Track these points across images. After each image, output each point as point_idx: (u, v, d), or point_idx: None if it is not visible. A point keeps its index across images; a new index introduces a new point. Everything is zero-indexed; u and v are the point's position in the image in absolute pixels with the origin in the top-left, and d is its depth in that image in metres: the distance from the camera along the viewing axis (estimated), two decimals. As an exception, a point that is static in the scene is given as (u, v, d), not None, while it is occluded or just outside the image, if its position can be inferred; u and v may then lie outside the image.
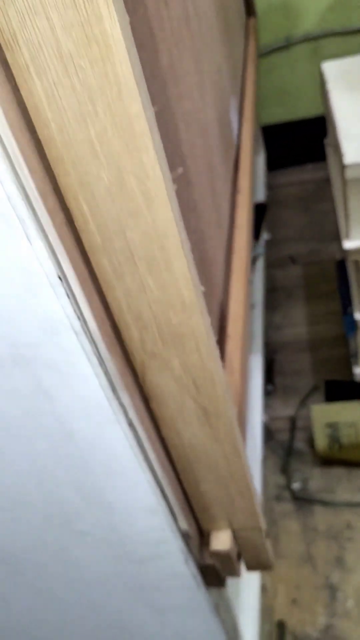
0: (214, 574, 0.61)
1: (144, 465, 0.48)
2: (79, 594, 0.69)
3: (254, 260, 1.67)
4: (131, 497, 0.52)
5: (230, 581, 1.01)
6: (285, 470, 1.32)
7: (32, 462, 0.51)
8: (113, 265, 0.37)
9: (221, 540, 0.58)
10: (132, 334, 0.41)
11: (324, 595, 1.10)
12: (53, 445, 0.49)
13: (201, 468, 0.52)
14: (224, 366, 0.74)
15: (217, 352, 0.44)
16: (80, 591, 0.68)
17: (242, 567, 0.65)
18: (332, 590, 1.11)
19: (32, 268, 0.35)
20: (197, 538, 0.59)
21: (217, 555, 0.58)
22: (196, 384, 0.44)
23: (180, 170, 0.46)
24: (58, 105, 0.31)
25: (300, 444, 1.37)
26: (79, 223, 0.35)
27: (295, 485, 1.29)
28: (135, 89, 0.29)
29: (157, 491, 0.51)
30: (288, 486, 1.29)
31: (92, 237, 0.36)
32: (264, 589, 1.13)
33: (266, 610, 1.10)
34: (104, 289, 0.38)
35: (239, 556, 0.61)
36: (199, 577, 0.61)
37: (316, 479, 1.29)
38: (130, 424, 0.45)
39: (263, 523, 0.59)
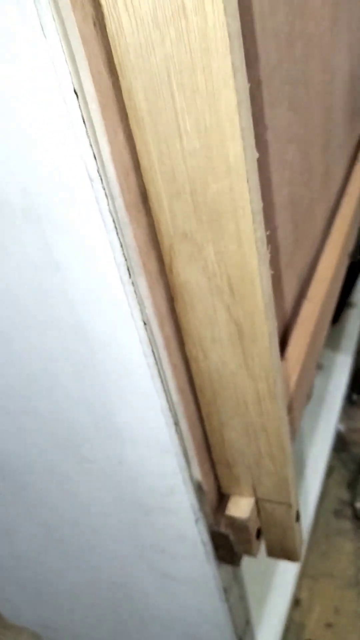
0: (227, 547, 0.52)
1: (157, 383, 0.40)
2: (81, 537, 0.62)
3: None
4: (141, 424, 0.44)
5: (257, 584, 0.90)
6: (352, 486, 1.19)
7: (42, 361, 0.45)
8: (146, 92, 0.29)
9: (240, 507, 0.49)
10: (161, 202, 0.33)
11: (365, 629, 0.97)
12: (64, 340, 0.42)
13: (227, 407, 0.43)
14: (294, 327, 0.65)
15: (265, 252, 0.35)
16: (82, 533, 0.62)
17: (262, 550, 0.55)
18: (376, 626, 0.97)
19: (43, 74, 0.29)
20: (213, 497, 0.51)
21: (233, 523, 0.49)
22: (231, 287, 0.36)
23: None
24: None
25: (375, 461, 1.23)
26: (109, 25, 0.28)
27: (360, 504, 1.15)
28: None
29: (171, 422, 0.43)
30: (351, 503, 1.16)
31: (124, 47, 0.28)
32: (298, 603, 1.02)
33: (295, 626, 0.99)
34: (132, 125, 0.31)
35: (259, 533, 0.52)
36: (209, 546, 0.53)
37: (385, 503, 1.15)
38: (146, 324, 0.38)
39: (295, 501, 0.49)
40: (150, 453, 0.47)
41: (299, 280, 0.71)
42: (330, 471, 1.22)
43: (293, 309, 0.69)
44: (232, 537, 0.51)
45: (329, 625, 0.99)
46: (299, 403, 0.61)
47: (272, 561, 0.94)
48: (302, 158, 0.66)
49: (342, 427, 1.29)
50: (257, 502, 0.50)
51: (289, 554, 0.54)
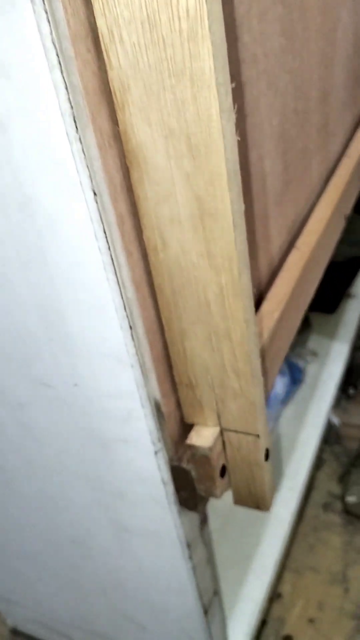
0: (189, 487, 0.47)
1: (110, 273, 0.36)
2: (38, 482, 0.58)
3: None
4: (94, 331, 0.40)
5: (232, 568, 0.84)
6: (344, 479, 1.13)
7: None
8: None
9: (203, 436, 0.45)
10: (112, 35, 0.30)
11: (349, 625, 0.91)
12: (9, 221, 0.38)
13: (188, 309, 0.39)
14: (279, 272, 0.61)
15: (230, 106, 0.31)
16: (39, 477, 0.57)
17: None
18: (361, 622, 0.91)
19: None
20: (175, 428, 0.46)
21: (195, 455, 0.45)
22: (191, 149, 0.32)
23: None
24: None
25: (369, 457, 1.17)
26: None
27: (350, 499, 1.09)
28: None
29: (125, 325, 0.39)
30: (342, 497, 1.10)
31: None
32: (279, 597, 0.96)
33: (274, 621, 0.93)
34: None
35: (223, 471, 0.47)
36: (170, 486, 0.48)
37: (377, 498, 1.09)
38: (97, 196, 0.34)
39: (264, 432, 0.45)
40: (106, 368, 0.42)
41: (290, 232, 0.67)
42: (321, 464, 1.16)
43: (281, 259, 0.65)
44: (194, 474, 0.46)
45: (311, 621, 0.93)
46: (276, 350, 0.56)
47: (250, 545, 0.88)
48: (296, 96, 0.62)
49: (337, 421, 1.24)
50: (222, 432, 0.45)
51: (257, 500, 0.49)
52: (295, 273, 0.61)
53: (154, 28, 0.29)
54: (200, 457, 0.45)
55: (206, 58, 0.29)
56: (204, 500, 0.49)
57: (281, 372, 1.07)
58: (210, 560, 0.59)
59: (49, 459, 0.54)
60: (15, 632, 0.94)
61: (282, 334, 0.57)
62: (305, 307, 0.65)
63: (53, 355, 0.45)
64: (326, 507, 1.09)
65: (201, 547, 0.56)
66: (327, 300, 1.30)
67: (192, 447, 0.44)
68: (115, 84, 0.31)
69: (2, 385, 0.50)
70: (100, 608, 0.71)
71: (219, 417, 0.44)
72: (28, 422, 0.52)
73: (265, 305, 0.56)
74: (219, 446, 0.45)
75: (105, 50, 0.30)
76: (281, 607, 0.95)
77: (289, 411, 1.08)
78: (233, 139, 0.32)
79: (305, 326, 1.22)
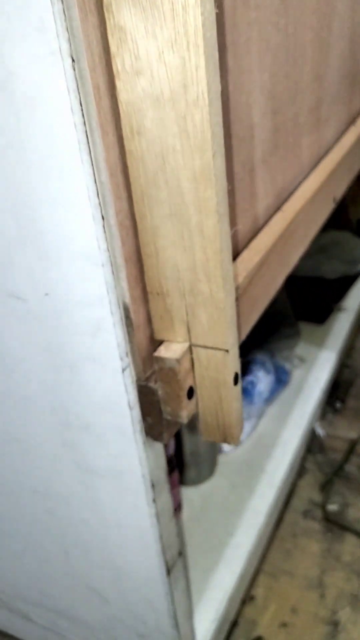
0: (155, 412, 0.46)
1: (84, 152, 0.36)
2: (2, 415, 0.56)
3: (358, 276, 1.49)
4: (65, 225, 0.40)
5: (204, 556, 0.81)
6: (326, 488, 1.10)
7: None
8: None
9: (171, 349, 0.44)
10: None
11: (323, 631, 0.87)
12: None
13: (161, 200, 0.38)
14: (260, 232, 0.61)
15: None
16: (4, 409, 0.55)
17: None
18: (335, 628, 0.87)
19: None
20: (143, 343, 0.45)
21: (162, 370, 0.44)
22: (170, 11, 0.32)
23: None
24: None
25: (353, 468, 1.15)
26: None
27: (331, 507, 1.06)
28: None
29: (98, 214, 0.38)
30: (322, 505, 1.07)
31: None
32: (252, 599, 0.92)
33: (246, 623, 0.89)
34: None
35: (190, 393, 0.46)
36: (136, 411, 0.47)
37: (358, 508, 1.06)
38: (74, 62, 0.34)
39: (233, 348, 0.43)
40: (77, 270, 0.42)
41: (277, 199, 0.67)
42: (304, 472, 1.13)
43: (266, 222, 0.65)
44: (160, 392, 0.45)
45: (283, 625, 0.89)
46: (254, 297, 0.56)
47: (223, 534, 0.85)
48: (288, 61, 0.64)
49: (321, 432, 1.22)
50: (191, 349, 0.44)
51: (225, 432, 0.47)
52: (277, 230, 0.61)
53: None
54: (168, 371, 0.43)
55: None
56: (169, 427, 0.47)
57: (267, 371, 1.05)
58: (177, 522, 0.57)
59: (15, 390, 0.53)
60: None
61: (261, 283, 0.57)
62: (287, 270, 0.65)
63: (25, 261, 0.44)
64: (306, 514, 1.06)
65: (165, 494, 0.54)
66: (317, 311, 1.30)
67: (159, 360, 0.43)
68: None
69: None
70: (62, 577, 0.68)
71: (188, 331, 0.43)
72: (-4, 342, 0.51)
73: (246, 253, 0.56)
74: (187, 363, 0.44)
75: None
76: (254, 610, 0.91)
77: (272, 411, 1.06)
78: (210, 5, 0.32)
79: (294, 333, 1.21)
